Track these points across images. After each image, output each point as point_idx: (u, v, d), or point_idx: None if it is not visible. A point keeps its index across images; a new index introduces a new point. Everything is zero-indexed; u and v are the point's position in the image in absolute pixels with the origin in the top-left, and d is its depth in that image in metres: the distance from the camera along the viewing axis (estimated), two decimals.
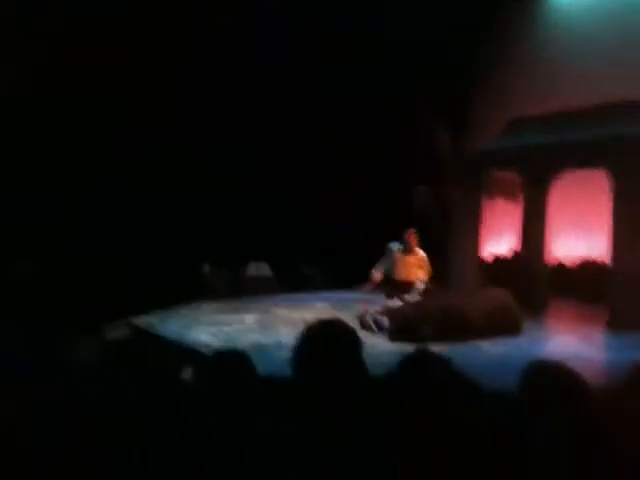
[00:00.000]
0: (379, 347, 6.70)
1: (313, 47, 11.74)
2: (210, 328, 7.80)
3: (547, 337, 8.24)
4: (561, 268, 11.24)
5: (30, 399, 1.87)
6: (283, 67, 11.86)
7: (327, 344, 1.91)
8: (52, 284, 3.20)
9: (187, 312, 8.92)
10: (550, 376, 2.00)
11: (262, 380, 2.13)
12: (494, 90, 11.65)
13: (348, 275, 9.77)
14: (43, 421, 1.80)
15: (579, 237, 10.64)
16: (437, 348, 2.31)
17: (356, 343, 1.95)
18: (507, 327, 7.68)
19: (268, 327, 8.03)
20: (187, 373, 2.51)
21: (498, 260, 12.12)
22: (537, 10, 12.16)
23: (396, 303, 7.70)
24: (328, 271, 12.02)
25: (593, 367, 6.19)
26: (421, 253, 8.02)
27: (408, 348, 2.19)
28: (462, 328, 7.15)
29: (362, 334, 2.22)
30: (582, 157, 9.29)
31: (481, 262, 11.33)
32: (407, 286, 7.85)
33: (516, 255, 11.32)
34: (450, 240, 11.29)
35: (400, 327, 7.16)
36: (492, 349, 6.98)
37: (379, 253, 8.06)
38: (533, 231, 10.50)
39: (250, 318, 8.60)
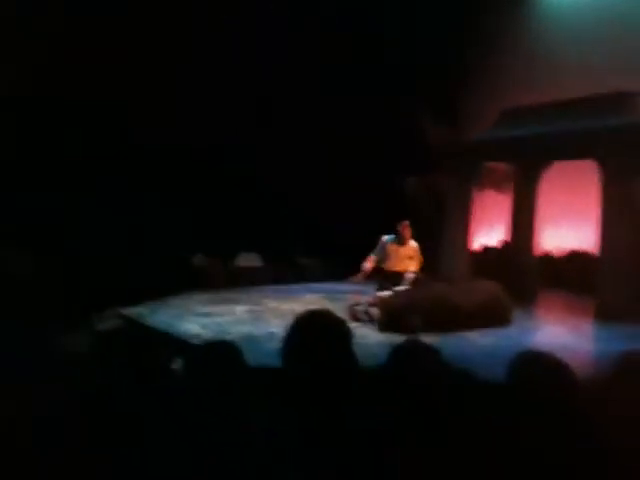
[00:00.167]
0: (369, 338, 6.73)
1: (313, 47, 11.75)
2: (200, 319, 7.80)
3: (536, 328, 8.28)
4: (550, 259, 11.33)
5: (30, 399, 1.86)
6: (283, 67, 11.84)
7: (317, 335, 1.91)
8: (52, 284, 3.19)
9: (177, 303, 8.89)
10: (538, 366, 2.02)
11: (252, 371, 2.13)
12: (487, 82, 11.68)
13: (341, 267, 9.78)
14: (43, 420, 1.79)
15: (569, 228, 10.70)
16: (428, 339, 2.32)
17: (346, 334, 1.95)
18: (497, 318, 7.72)
19: (259, 318, 8.03)
20: (177, 364, 2.51)
21: (488, 251, 12.18)
22: (531, 2, 12.20)
23: (387, 294, 7.70)
24: (321, 263, 12.04)
25: (581, 357, 6.24)
26: (414, 244, 8.03)
27: (398, 339, 2.20)
28: (452, 319, 7.17)
29: (352, 325, 2.23)
30: (572, 148, 9.31)
31: (471, 253, 11.37)
32: (398, 277, 7.86)
33: (506, 246, 11.38)
34: (441, 230, 11.31)
35: (389, 318, 7.17)
36: (482, 339, 7.02)
37: (374, 246, 8.08)
38: (523, 222, 10.55)
39: (241, 309, 8.60)
